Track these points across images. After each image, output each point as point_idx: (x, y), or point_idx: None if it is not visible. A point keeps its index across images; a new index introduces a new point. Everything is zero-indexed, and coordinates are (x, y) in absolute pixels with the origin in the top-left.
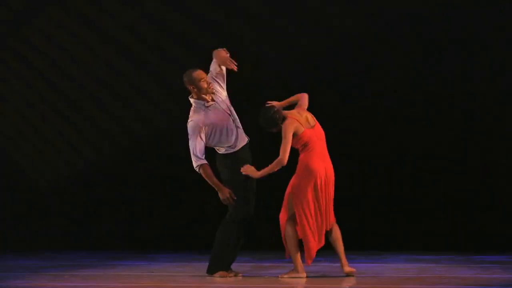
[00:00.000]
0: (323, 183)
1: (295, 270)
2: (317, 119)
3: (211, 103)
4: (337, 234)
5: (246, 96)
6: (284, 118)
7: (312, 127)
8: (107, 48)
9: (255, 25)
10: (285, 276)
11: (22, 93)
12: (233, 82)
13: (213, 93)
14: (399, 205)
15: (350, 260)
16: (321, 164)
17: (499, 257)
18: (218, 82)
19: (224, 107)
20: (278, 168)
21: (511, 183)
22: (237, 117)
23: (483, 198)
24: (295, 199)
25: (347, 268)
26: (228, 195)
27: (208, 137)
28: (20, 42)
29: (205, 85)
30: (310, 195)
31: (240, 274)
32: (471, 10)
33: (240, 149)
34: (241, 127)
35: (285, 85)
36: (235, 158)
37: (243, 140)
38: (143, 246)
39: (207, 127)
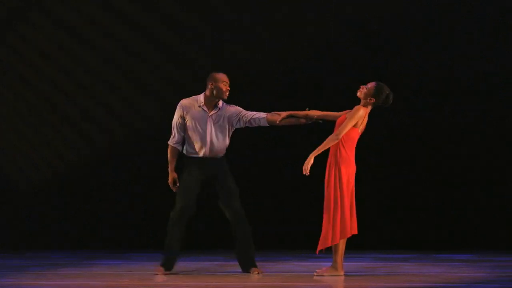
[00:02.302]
0: (351, 185)
1: (334, 267)
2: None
3: (212, 112)
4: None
5: None
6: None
7: (360, 132)
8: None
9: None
10: (325, 274)
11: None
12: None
13: (224, 99)
14: (368, 204)
15: (319, 259)
16: (354, 166)
17: (467, 256)
18: (233, 122)
19: (218, 123)
20: (332, 143)
21: (479, 183)
22: (219, 142)
23: (450, 198)
24: (335, 187)
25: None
26: (171, 182)
27: (183, 125)
28: None
29: (224, 88)
30: (345, 186)
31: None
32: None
33: (199, 159)
34: (218, 149)
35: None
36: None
37: (207, 152)
38: (118, 245)
39: (186, 115)
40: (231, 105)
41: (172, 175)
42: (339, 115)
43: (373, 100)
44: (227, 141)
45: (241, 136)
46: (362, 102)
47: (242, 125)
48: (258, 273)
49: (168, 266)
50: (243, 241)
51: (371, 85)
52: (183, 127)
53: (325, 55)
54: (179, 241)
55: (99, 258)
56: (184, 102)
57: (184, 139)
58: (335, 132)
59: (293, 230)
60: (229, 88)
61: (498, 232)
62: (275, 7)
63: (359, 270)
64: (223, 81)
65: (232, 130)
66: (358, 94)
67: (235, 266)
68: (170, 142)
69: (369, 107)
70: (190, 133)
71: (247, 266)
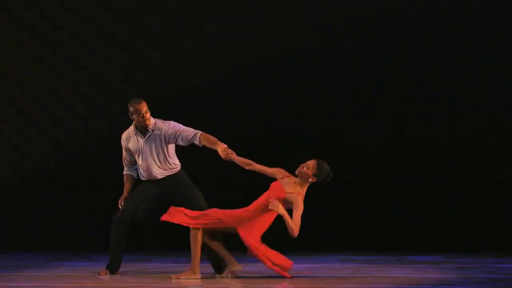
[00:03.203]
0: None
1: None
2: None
3: (146, 137)
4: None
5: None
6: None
7: None
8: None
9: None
10: (182, 277)
11: None
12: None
13: (145, 127)
14: (334, 206)
15: (321, 260)
16: None
17: (431, 257)
18: (170, 140)
19: (155, 145)
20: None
21: (472, 186)
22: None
23: (415, 200)
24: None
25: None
26: (120, 200)
27: (130, 155)
28: None
29: (139, 119)
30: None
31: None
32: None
33: (151, 181)
34: (165, 169)
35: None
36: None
37: (150, 176)
38: (85, 247)
39: (128, 146)
40: (167, 122)
41: (122, 195)
42: (271, 172)
43: (314, 179)
44: (171, 158)
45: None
46: (302, 180)
47: (183, 143)
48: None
49: (113, 268)
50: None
51: (312, 164)
52: (130, 156)
53: (325, 55)
54: (122, 243)
55: (63, 259)
56: (123, 135)
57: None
58: (293, 233)
59: None
60: (145, 114)
61: (461, 233)
62: (275, 7)
63: (325, 272)
64: (135, 112)
65: (174, 145)
66: (297, 172)
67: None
68: (124, 172)
69: (307, 185)
70: (137, 160)
71: (219, 267)
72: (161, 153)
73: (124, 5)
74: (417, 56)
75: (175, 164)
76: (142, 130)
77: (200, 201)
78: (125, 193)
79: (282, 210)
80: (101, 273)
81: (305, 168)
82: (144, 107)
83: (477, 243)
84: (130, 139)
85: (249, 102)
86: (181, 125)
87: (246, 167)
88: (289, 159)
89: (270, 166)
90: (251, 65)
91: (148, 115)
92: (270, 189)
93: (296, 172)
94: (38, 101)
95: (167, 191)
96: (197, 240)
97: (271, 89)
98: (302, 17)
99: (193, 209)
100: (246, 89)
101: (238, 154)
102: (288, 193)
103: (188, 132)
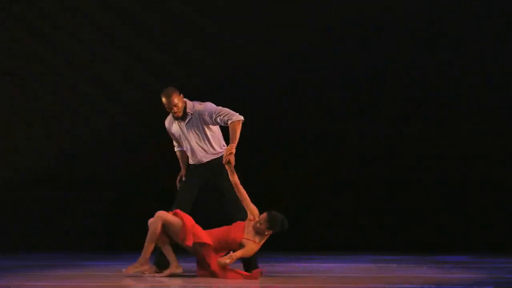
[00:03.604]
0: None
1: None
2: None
3: (186, 120)
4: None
5: None
6: None
7: None
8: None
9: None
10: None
11: None
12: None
13: (177, 117)
14: (367, 206)
15: (316, 260)
16: None
17: (459, 258)
18: (207, 121)
19: (194, 128)
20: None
21: (472, 186)
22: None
23: (444, 200)
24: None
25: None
26: (178, 179)
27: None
28: None
29: (169, 111)
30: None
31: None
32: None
33: (196, 166)
34: (209, 151)
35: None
36: (189, 170)
37: (196, 160)
38: (85, 247)
39: (171, 132)
40: (204, 103)
41: (180, 172)
42: (248, 207)
43: (270, 232)
44: (214, 142)
45: None
46: (259, 235)
47: (223, 124)
48: (261, 274)
49: (161, 265)
50: None
51: (263, 218)
52: (176, 140)
53: (325, 55)
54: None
55: (94, 259)
56: (165, 121)
57: None
58: (224, 262)
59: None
60: (172, 107)
61: (461, 233)
62: (275, 7)
63: (355, 272)
64: (163, 105)
65: (218, 128)
66: (253, 227)
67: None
68: (175, 149)
69: (266, 237)
70: (182, 144)
71: (249, 267)
72: (203, 136)
73: (124, 5)
74: (417, 56)
75: (220, 147)
76: (183, 114)
77: (232, 194)
78: (182, 170)
79: (229, 261)
80: (146, 271)
81: (258, 224)
82: (167, 103)
83: (488, 243)
84: (172, 124)
85: (249, 102)
86: (218, 106)
87: (233, 186)
88: (289, 159)
89: (270, 166)
90: (251, 65)
91: (176, 108)
92: (232, 226)
93: (252, 227)
94: (38, 101)
95: (210, 180)
96: (156, 234)
97: (271, 89)
98: (302, 17)
99: (231, 204)
100: (246, 89)
101: (238, 154)
102: (245, 239)
103: (223, 114)
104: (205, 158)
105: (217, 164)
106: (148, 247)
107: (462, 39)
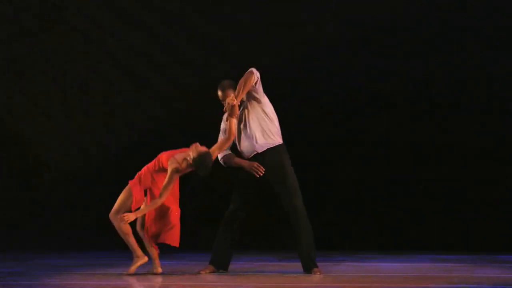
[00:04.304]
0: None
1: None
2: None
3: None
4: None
5: None
6: None
7: None
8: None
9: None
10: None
11: None
12: None
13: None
14: (424, 206)
15: (373, 260)
16: None
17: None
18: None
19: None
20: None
21: (445, 186)
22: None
23: (415, 200)
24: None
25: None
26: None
27: None
28: None
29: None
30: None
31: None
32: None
33: (253, 158)
34: (259, 138)
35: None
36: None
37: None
38: (85, 247)
39: None
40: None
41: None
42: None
43: (190, 162)
44: (269, 126)
45: None
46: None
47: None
48: (320, 274)
49: (218, 265)
50: (305, 240)
51: (195, 149)
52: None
53: (325, 55)
54: (228, 240)
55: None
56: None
57: None
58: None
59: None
60: (222, 102)
61: (460, 233)
62: (275, 7)
63: (415, 272)
64: (219, 98)
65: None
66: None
67: (289, 266)
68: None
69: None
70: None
71: (308, 266)
72: (256, 116)
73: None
74: (418, 56)
75: (276, 133)
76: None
77: (292, 186)
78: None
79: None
80: (204, 271)
81: (188, 158)
82: (219, 96)
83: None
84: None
85: None
86: None
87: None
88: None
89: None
90: (251, 65)
91: (224, 102)
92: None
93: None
94: (38, 101)
95: (267, 169)
96: (125, 231)
97: (271, 89)
98: (302, 17)
99: (283, 195)
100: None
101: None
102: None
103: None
104: (265, 141)
105: (272, 153)
106: (129, 241)
107: (462, 39)
